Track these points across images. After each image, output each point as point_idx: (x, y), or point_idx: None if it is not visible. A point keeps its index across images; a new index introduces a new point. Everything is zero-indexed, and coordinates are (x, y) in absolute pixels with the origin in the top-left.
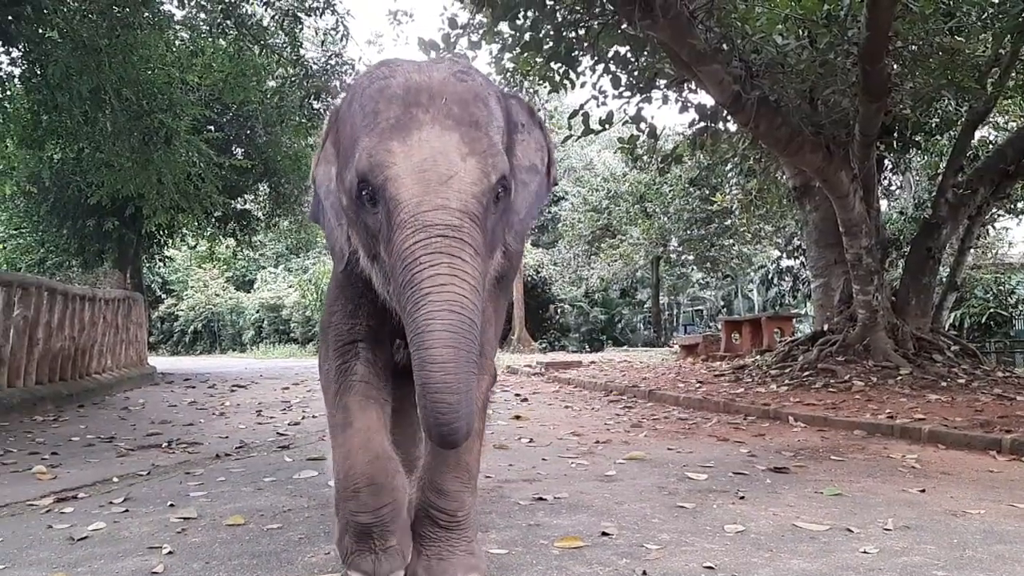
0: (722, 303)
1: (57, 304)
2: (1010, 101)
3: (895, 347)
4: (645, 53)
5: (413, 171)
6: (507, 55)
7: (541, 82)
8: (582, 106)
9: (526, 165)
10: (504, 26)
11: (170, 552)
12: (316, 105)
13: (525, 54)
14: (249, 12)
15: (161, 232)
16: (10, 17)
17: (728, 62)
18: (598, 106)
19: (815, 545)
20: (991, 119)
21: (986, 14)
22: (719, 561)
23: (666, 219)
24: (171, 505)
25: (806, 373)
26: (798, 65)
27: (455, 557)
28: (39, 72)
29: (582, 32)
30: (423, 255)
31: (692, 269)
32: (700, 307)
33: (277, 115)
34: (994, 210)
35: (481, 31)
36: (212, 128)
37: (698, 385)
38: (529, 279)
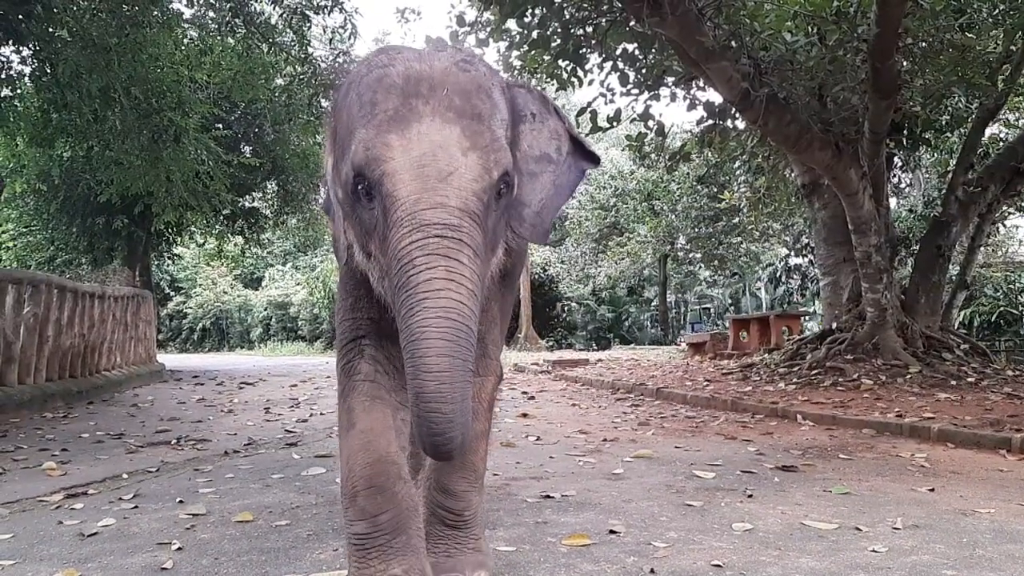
0: (730, 301)
1: (67, 302)
2: (1021, 98)
3: (904, 345)
4: (653, 50)
5: (411, 166)
6: (515, 53)
7: (549, 80)
8: (590, 104)
9: (535, 155)
10: (512, 23)
11: (179, 548)
12: (324, 103)
13: (533, 52)
14: (258, 10)
15: (170, 230)
16: (20, 16)
17: (737, 59)
18: (606, 104)
19: (823, 544)
20: (1002, 116)
21: (997, 10)
22: (727, 559)
23: (674, 217)
24: (180, 501)
25: (814, 371)
26: (807, 62)
27: (463, 555)
28: (49, 70)
29: (590, 29)
30: (419, 256)
31: (700, 267)
32: (708, 305)
33: (285, 113)
34: (1004, 208)
35: (489, 29)
36: (221, 126)
37: (706, 383)
38: (536, 277)
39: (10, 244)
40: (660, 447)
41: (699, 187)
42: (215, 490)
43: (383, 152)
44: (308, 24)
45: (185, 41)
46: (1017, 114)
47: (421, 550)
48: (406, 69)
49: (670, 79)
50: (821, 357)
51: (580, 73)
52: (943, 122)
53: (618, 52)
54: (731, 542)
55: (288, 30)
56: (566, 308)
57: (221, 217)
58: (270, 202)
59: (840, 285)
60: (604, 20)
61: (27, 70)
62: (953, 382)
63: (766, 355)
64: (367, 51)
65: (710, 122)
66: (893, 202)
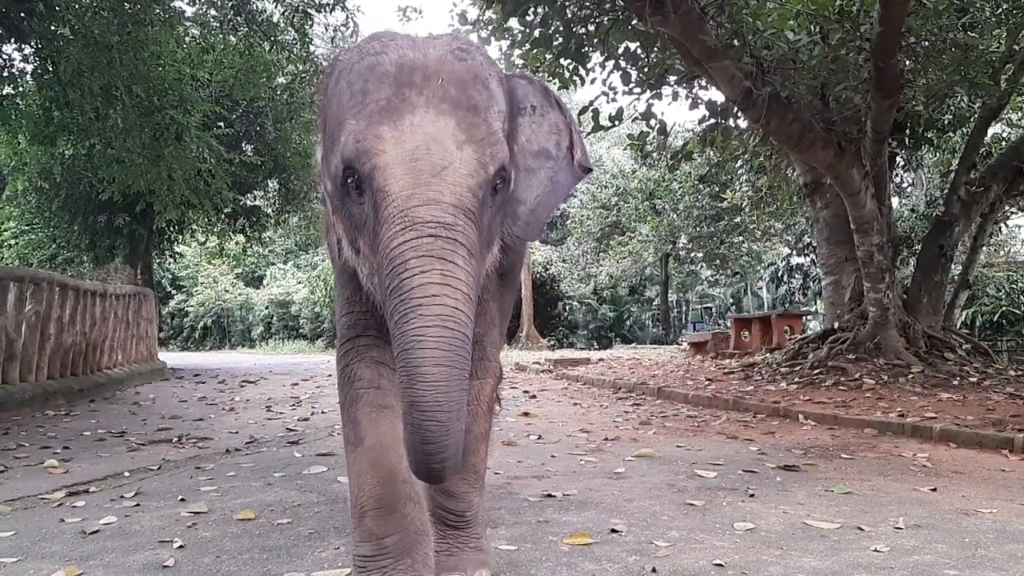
0: (731, 301)
1: (68, 299)
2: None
3: (906, 345)
4: (655, 49)
5: (404, 160)
6: (517, 51)
7: (551, 78)
8: (592, 102)
9: (533, 150)
10: (514, 22)
11: (181, 546)
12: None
13: (535, 50)
14: (259, 8)
15: (171, 228)
16: (22, 14)
17: (739, 58)
18: (608, 102)
19: (825, 543)
20: (1004, 116)
21: (1000, 9)
22: (729, 559)
23: (675, 216)
24: (182, 499)
25: (816, 371)
26: (810, 61)
27: (464, 553)
28: (51, 68)
29: (592, 28)
30: (413, 259)
31: (701, 266)
32: (709, 305)
33: (287, 111)
34: (1007, 207)
35: (491, 27)
36: (222, 124)
37: (707, 383)
38: (538, 276)
39: (12, 242)
40: (662, 446)
41: (701, 186)
42: (217, 488)
43: (374, 144)
44: (310, 22)
45: (187, 39)
46: (1020, 113)
47: None
48: (399, 57)
49: (672, 78)
50: (823, 357)
51: (582, 72)
52: (946, 121)
53: (620, 51)
54: (733, 541)
55: (290, 28)
56: (567, 307)
57: (222, 215)
58: (271, 200)
59: (842, 284)
60: (606, 18)
61: (29, 68)
62: (955, 382)
63: (768, 354)
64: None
65: (712, 121)
66: (895, 201)
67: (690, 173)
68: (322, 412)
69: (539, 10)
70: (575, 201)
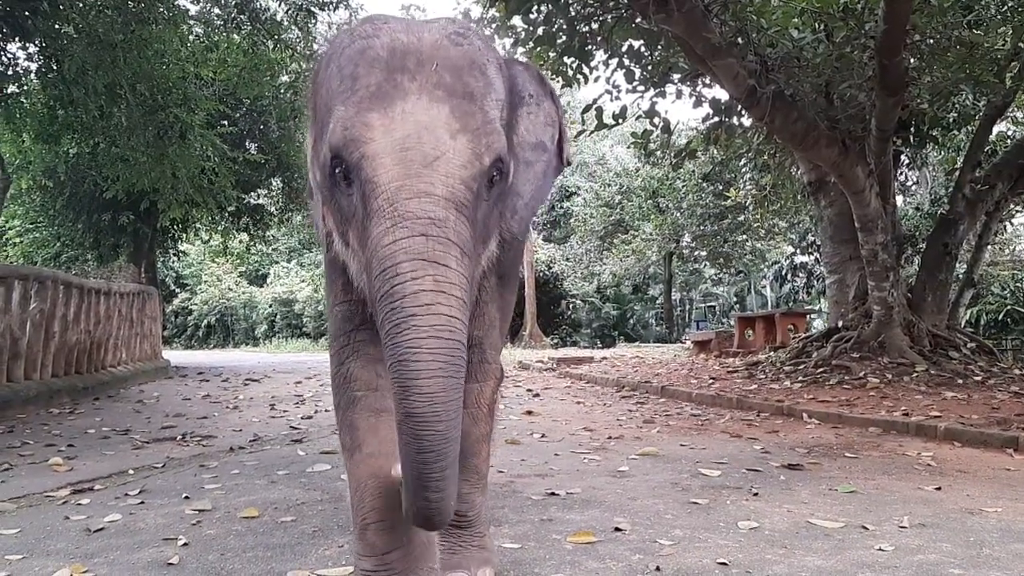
0: (735, 299)
1: (73, 298)
2: None
3: (911, 344)
4: (659, 47)
5: (393, 149)
6: (520, 49)
7: (554, 77)
8: (595, 100)
9: (531, 142)
10: (517, 20)
11: (185, 544)
12: None
13: (538, 48)
14: (263, 7)
15: (175, 226)
16: (27, 12)
17: (743, 56)
18: (611, 100)
19: (830, 542)
20: (1010, 114)
21: (1006, 7)
22: (733, 558)
23: (679, 214)
24: (186, 497)
25: (820, 370)
26: (814, 59)
27: (468, 551)
28: (55, 67)
29: (596, 26)
30: (404, 262)
31: (705, 265)
32: (713, 303)
33: (291, 110)
34: (1012, 206)
35: (494, 25)
36: (226, 123)
37: (711, 381)
38: (541, 274)
39: (16, 240)
40: (665, 445)
41: (705, 184)
42: (221, 486)
43: (362, 132)
44: (313, 20)
45: (191, 37)
46: None
47: None
48: (392, 41)
49: (676, 76)
50: (827, 355)
51: (585, 70)
52: (950, 119)
53: (624, 49)
54: (737, 540)
55: (293, 26)
56: (571, 306)
57: (226, 214)
58: (275, 199)
59: (846, 283)
60: (610, 16)
61: (33, 67)
62: (960, 381)
63: (772, 353)
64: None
65: (716, 119)
66: (900, 200)
67: (694, 171)
68: (325, 410)
69: (542, 8)
70: (578, 199)
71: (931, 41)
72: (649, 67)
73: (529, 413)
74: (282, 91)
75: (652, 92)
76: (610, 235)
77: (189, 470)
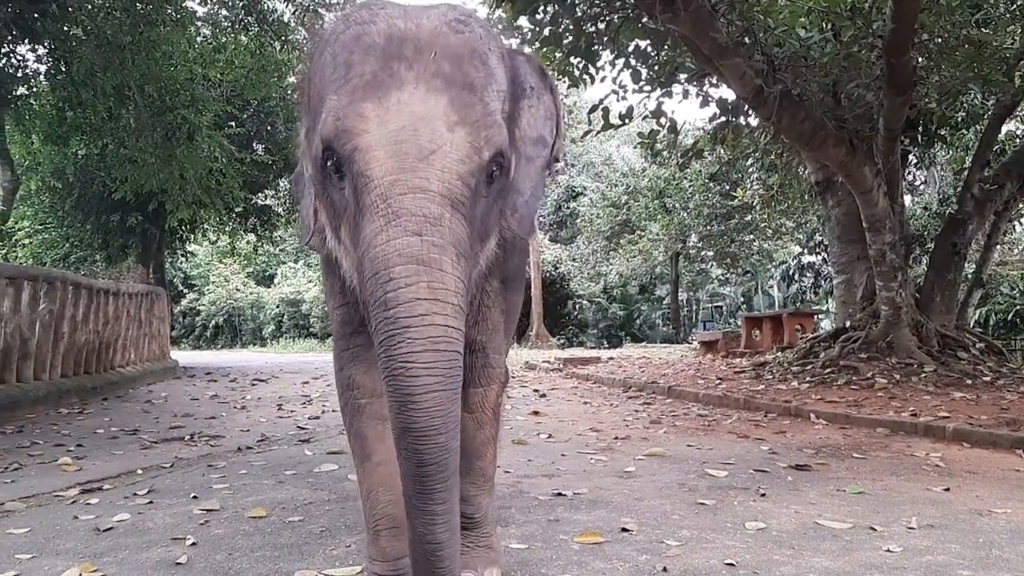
0: (742, 299)
1: (82, 298)
2: None
3: (919, 344)
4: (666, 47)
5: (388, 141)
6: (526, 49)
7: (561, 77)
8: (602, 101)
9: (532, 137)
10: (524, 21)
11: (194, 543)
12: None
13: (544, 49)
14: (270, 8)
15: (183, 227)
16: (36, 15)
17: (750, 56)
18: (618, 101)
19: (838, 543)
20: (1018, 113)
21: (1014, 6)
22: (740, 558)
23: (686, 215)
24: (194, 497)
25: (828, 370)
26: (822, 58)
27: (475, 552)
28: (64, 69)
29: (602, 26)
30: (397, 265)
31: (712, 265)
32: (720, 303)
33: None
34: (1021, 205)
35: (500, 26)
36: (233, 124)
37: (718, 382)
38: (547, 275)
39: (26, 241)
40: (672, 445)
41: (711, 184)
42: (229, 486)
43: (356, 123)
44: (320, 22)
45: (198, 39)
46: None
47: None
48: (388, 27)
49: (683, 76)
50: (835, 356)
51: (592, 70)
52: (959, 119)
53: (630, 49)
54: (744, 541)
55: (300, 28)
56: (577, 306)
57: (234, 214)
58: (282, 200)
59: (854, 283)
60: (616, 17)
61: (42, 69)
62: (969, 381)
63: (779, 353)
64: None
65: (723, 119)
66: (908, 199)
67: (700, 171)
68: (332, 410)
69: (549, 8)
70: (585, 200)
71: (939, 40)
72: (655, 67)
73: (536, 413)
74: (289, 92)
75: (658, 92)
76: (617, 235)
77: (197, 470)
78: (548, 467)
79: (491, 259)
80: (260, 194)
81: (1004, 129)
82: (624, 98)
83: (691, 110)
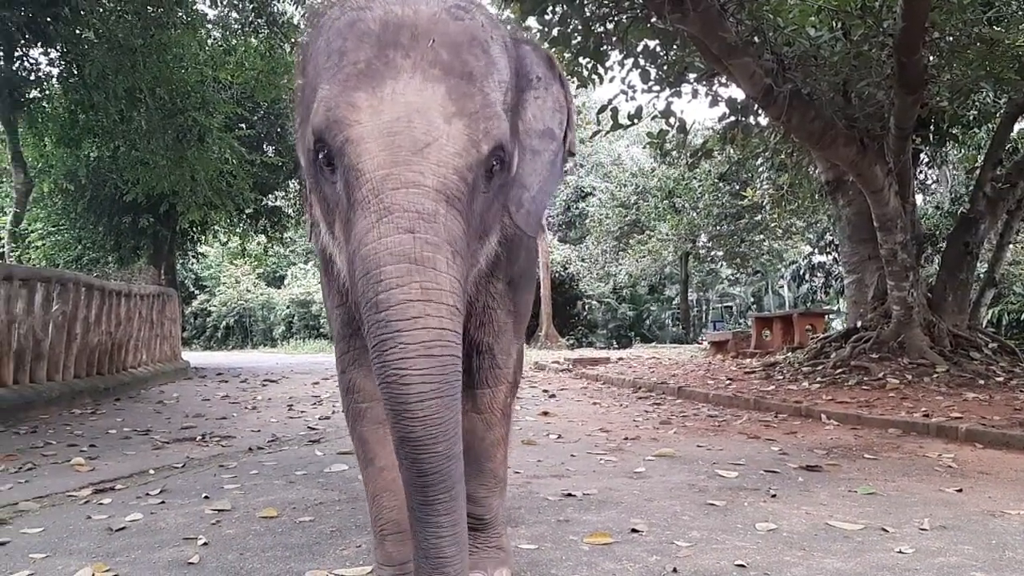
0: (752, 299)
1: (94, 300)
2: None
3: (931, 344)
4: (675, 47)
5: (380, 133)
6: None
7: (570, 77)
8: (611, 101)
9: (539, 129)
10: (532, 21)
11: (205, 543)
12: None
13: (553, 49)
14: (280, 10)
15: (194, 229)
16: (48, 18)
17: (759, 55)
18: (627, 101)
19: (849, 544)
20: None
21: None
22: (751, 559)
23: (695, 215)
24: (206, 497)
25: (839, 370)
26: (831, 57)
27: (484, 552)
28: (76, 72)
29: (611, 26)
30: (389, 265)
31: (721, 265)
32: (729, 303)
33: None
34: None
35: (509, 26)
36: (244, 126)
37: (728, 382)
38: (556, 275)
39: (39, 243)
40: (682, 446)
41: (721, 184)
42: (240, 486)
43: (347, 114)
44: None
45: (209, 42)
46: None
47: None
48: (385, 13)
49: (692, 75)
50: (846, 356)
51: (601, 70)
52: (971, 117)
53: (639, 49)
54: (755, 542)
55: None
56: (587, 306)
57: (244, 216)
58: (292, 201)
59: (865, 283)
60: (625, 17)
61: (55, 72)
62: (981, 381)
63: (789, 354)
64: None
65: (732, 119)
66: (919, 199)
67: (710, 171)
68: (343, 411)
69: (557, 9)
70: (594, 200)
71: (950, 38)
72: (664, 67)
73: (545, 414)
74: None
75: (668, 92)
76: (626, 235)
77: (209, 470)
78: (558, 467)
79: (492, 258)
80: (270, 195)
81: (1016, 127)
82: (633, 98)
83: (700, 110)
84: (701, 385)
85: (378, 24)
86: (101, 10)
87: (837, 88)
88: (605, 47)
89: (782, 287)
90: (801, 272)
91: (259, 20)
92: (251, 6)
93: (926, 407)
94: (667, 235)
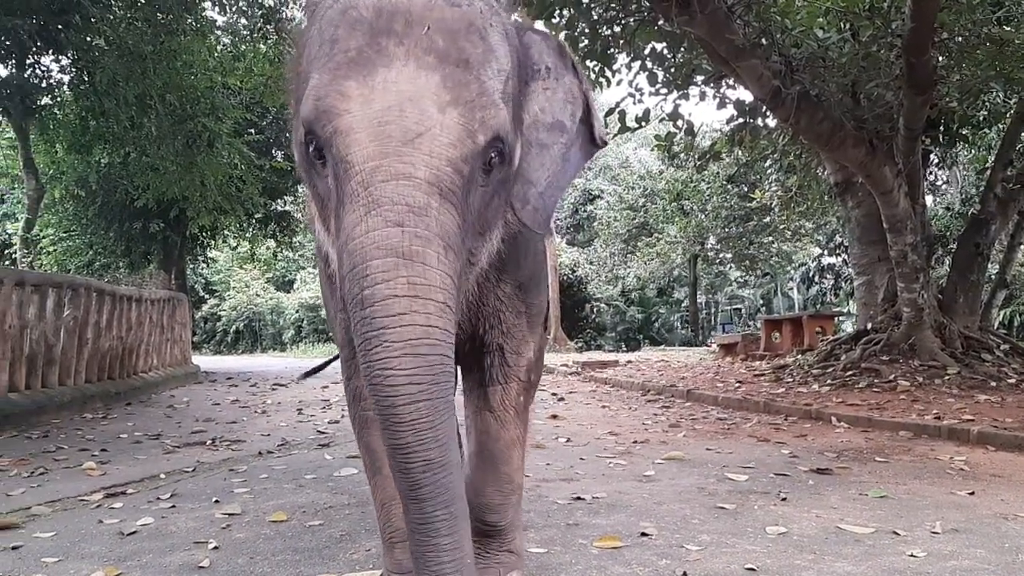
0: (761, 302)
1: (105, 305)
2: None
3: (942, 346)
4: (682, 49)
5: (371, 123)
6: None
7: None
8: (618, 104)
9: (547, 122)
10: (539, 25)
11: (216, 547)
12: None
13: None
14: (289, 16)
15: (204, 234)
16: (59, 26)
17: (767, 57)
18: (635, 103)
19: (860, 548)
20: None
21: None
22: (761, 563)
23: (704, 217)
24: (216, 501)
25: (849, 373)
26: (840, 59)
27: (497, 556)
28: (87, 79)
29: (618, 29)
30: (375, 260)
31: (730, 267)
32: (738, 306)
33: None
34: None
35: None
36: (253, 131)
37: (737, 385)
38: (565, 278)
39: (50, 249)
40: (691, 449)
41: (729, 186)
42: (250, 490)
43: (336, 103)
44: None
45: (218, 48)
46: None
47: None
48: (378, 1)
49: (699, 78)
50: (856, 358)
51: (608, 73)
52: (980, 118)
53: (647, 51)
54: (765, 546)
55: None
56: (595, 309)
57: (254, 221)
58: (301, 205)
59: (875, 285)
60: (632, 20)
61: (66, 79)
62: (993, 383)
63: (799, 356)
64: None
65: (740, 121)
66: (929, 200)
67: (718, 173)
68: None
69: (565, 12)
70: (602, 203)
71: (960, 38)
72: (672, 69)
73: (554, 417)
74: None
75: (675, 94)
76: (634, 238)
77: (219, 474)
78: (567, 471)
79: (496, 258)
80: (279, 200)
81: None
82: (641, 101)
83: (708, 112)
84: (710, 388)
85: (371, 11)
86: (111, 17)
87: (846, 89)
88: (612, 50)
89: (791, 289)
90: (810, 274)
91: (268, 26)
92: (260, 12)
93: (937, 409)
94: (675, 237)
